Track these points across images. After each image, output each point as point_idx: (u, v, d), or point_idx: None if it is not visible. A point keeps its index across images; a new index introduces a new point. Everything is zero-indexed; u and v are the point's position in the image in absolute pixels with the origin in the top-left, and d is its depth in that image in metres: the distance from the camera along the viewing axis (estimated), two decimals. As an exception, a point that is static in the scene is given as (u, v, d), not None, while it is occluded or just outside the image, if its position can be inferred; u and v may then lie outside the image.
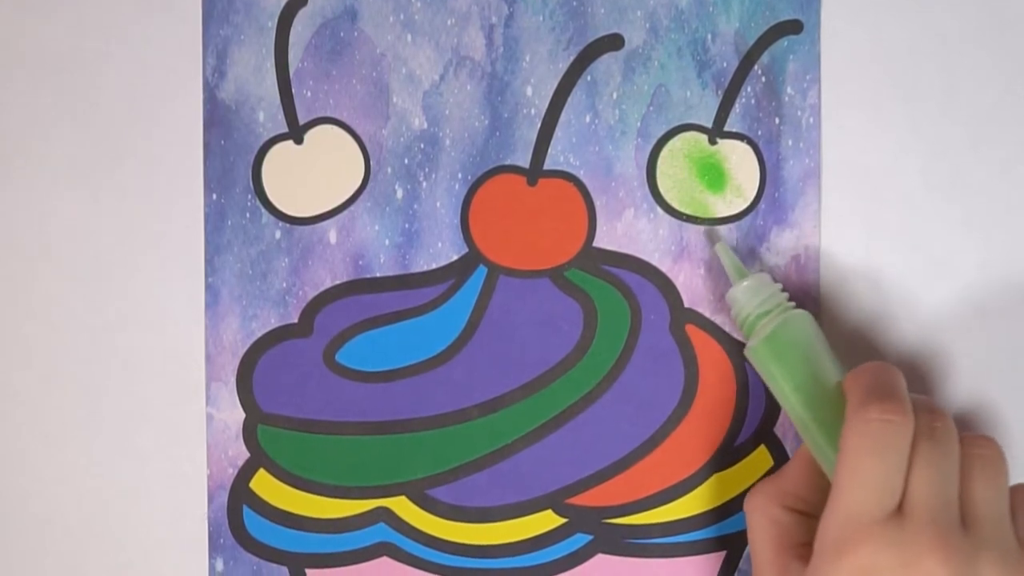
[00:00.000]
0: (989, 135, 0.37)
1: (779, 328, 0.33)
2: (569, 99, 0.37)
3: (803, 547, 0.32)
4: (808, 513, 0.33)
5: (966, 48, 0.36)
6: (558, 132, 0.37)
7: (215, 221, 0.37)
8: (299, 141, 0.37)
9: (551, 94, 0.37)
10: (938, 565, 0.29)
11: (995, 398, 0.37)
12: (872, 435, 0.30)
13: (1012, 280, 0.37)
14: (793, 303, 0.34)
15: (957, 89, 0.37)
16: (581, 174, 0.37)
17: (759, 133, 0.36)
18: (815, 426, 0.32)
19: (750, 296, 0.34)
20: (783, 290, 0.34)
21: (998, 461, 0.31)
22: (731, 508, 0.36)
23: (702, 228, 0.37)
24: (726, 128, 0.37)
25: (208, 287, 0.37)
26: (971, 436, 0.32)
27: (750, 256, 0.37)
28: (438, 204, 0.37)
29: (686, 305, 0.37)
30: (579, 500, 0.37)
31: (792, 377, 0.33)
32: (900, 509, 0.30)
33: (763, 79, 0.36)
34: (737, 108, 0.36)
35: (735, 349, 0.36)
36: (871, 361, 0.32)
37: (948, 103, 0.37)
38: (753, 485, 0.35)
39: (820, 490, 0.33)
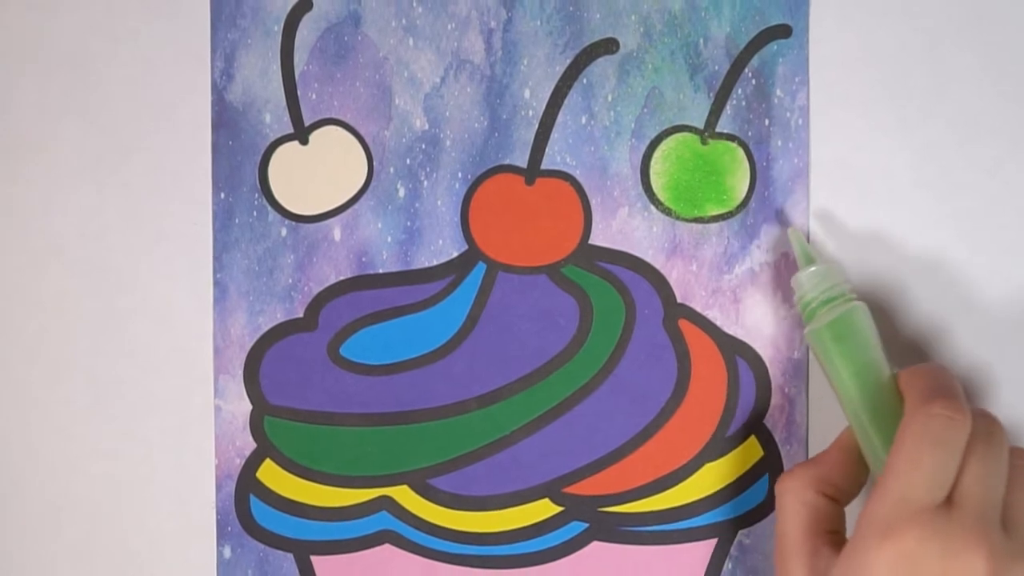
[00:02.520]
0: (976, 135, 0.37)
1: (845, 314, 0.33)
2: (566, 101, 0.37)
3: (832, 533, 0.33)
4: (839, 500, 0.33)
5: (953, 50, 0.36)
6: (555, 133, 0.37)
7: (223, 219, 0.37)
8: (304, 142, 0.37)
9: (548, 96, 0.37)
10: (980, 560, 0.29)
11: (983, 391, 0.37)
12: (934, 428, 0.30)
13: (999, 277, 0.37)
14: (855, 295, 0.34)
15: (944, 90, 0.37)
16: (577, 174, 0.37)
17: (749, 134, 0.37)
18: (867, 413, 0.33)
19: (818, 281, 0.34)
20: (847, 281, 0.34)
21: None
22: (722, 497, 0.36)
23: (695, 226, 0.37)
24: (718, 129, 0.37)
25: (216, 283, 0.37)
26: (1016, 448, 0.32)
27: (742, 253, 0.37)
28: (439, 203, 0.37)
29: (679, 301, 0.37)
30: (575, 489, 0.37)
31: (852, 363, 0.33)
32: (949, 501, 0.30)
33: (753, 82, 0.37)
34: (728, 110, 0.37)
35: (726, 343, 0.37)
36: (928, 362, 0.33)
37: (935, 104, 0.37)
38: (739, 479, 0.35)
39: (855, 479, 0.34)
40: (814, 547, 0.32)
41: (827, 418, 0.36)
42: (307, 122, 0.37)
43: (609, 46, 0.37)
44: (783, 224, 0.37)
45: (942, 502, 0.30)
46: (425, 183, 0.37)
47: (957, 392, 0.32)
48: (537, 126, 0.37)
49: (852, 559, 0.30)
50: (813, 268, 0.34)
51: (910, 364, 0.36)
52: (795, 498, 0.33)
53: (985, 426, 0.31)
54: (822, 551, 0.32)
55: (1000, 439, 0.31)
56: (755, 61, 0.37)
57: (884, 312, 0.37)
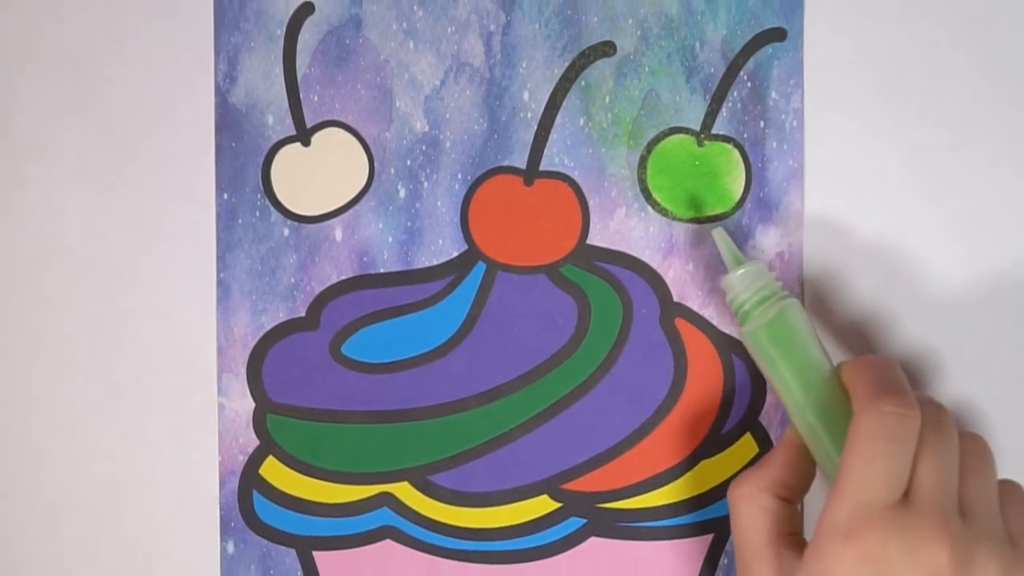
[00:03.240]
0: (969, 137, 0.37)
1: (780, 314, 0.33)
2: (564, 103, 0.37)
3: (792, 535, 0.32)
4: (792, 500, 0.33)
5: (946, 53, 0.37)
6: (553, 134, 0.37)
7: (226, 219, 0.38)
8: (306, 143, 0.37)
9: (547, 98, 0.37)
10: (943, 551, 0.29)
11: (976, 393, 0.37)
12: (886, 426, 0.30)
13: (991, 278, 0.37)
14: (787, 292, 0.34)
15: (937, 93, 0.37)
16: (575, 175, 0.37)
17: (745, 136, 0.37)
18: (813, 412, 0.32)
19: (748, 283, 0.34)
20: (777, 279, 0.34)
21: (989, 457, 0.32)
22: (718, 493, 0.37)
23: (691, 226, 0.37)
24: (714, 131, 0.37)
25: (220, 282, 0.38)
26: (964, 433, 0.32)
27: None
28: (439, 203, 0.37)
29: (675, 300, 0.37)
30: (573, 485, 0.37)
31: (792, 362, 0.32)
32: (906, 496, 0.30)
33: (749, 84, 0.37)
34: (724, 112, 0.37)
35: (722, 341, 0.37)
36: (869, 355, 0.33)
37: (928, 106, 0.37)
38: (735, 475, 0.35)
39: (806, 477, 0.33)
40: (777, 552, 0.32)
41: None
42: (309, 124, 0.37)
43: (606, 49, 0.37)
44: (778, 223, 0.37)
45: (900, 497, 0.30)
46: (425, 184, 0.37)
47: (904, 385, 0.31)
48: (536, 128, 0.37)
49: (815, 564, 0.30)
50: (743, 269, 0.34)
51: (907, 363, 0.37)
52: (750, 504, 0.32)
53: (934, 415, 0.31)
54: (785, 554, 0.32)
55: (950, 428, 0.31)
56: (750, 64, 0.37)
57: (875, 310, 0.37)
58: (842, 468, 0.30)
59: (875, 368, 0.32)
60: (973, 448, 0.32)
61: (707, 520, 0.37)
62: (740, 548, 0.33)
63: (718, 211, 0.37)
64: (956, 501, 0.30)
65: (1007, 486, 0.32)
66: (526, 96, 0.37)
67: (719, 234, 0.35)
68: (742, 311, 0.34)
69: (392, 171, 0.37)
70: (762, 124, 0.37)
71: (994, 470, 0.32)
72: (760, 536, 0.32)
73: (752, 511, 0.32)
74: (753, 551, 0.32)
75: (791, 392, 0.32)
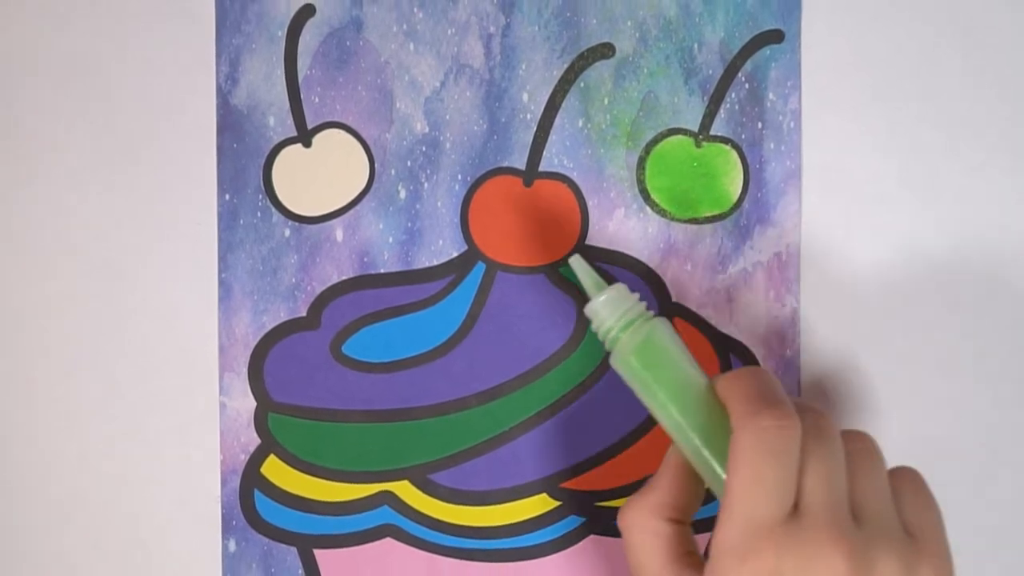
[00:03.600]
0: (962, 138, 0.37)
1: (648, 336, 0.32)
2: (563, 104, 0.37)
3: (688, 555, 0.31)
4: (684, 521, 0.32)
5: (940, 56, 0.37)
6: (552, 136, 0.37)
7: (228, 220, 0.38)
8: (307, 144, 0.37)
9: (546, 100, 0.37)
10: (840, 560, 0.28)
11: (971, 393, 0.37)
12: (767, 440, 0.29)
13: (984, 275, 0.37)
14: (652, 312, 0.33)
15: (932, 95, 0.37)
16: (574, 175, 0.37)
17: (743, 137, 0.37)
18: (693, 432, 0.31)
19: (612, 308, 0.32)
20: (640, 299, 0.33)
21: (876, 454, 0.31)
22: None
23: (689, 227, 0.37)
24: (712, 132, 0.37)
25: (221, 282, 0.38)
26: (847, 433, 0.31)
27: (735, 253, 0.37)
28: (439, 204, 0.37)
29: (673, 300, 0.37)
30: (572, 484, 0.37)
31: (666, 384, 0.31)
32: (796, 509, 0.29)
33: (747, 86, 0.37)
34: (722, 113, 0.37)
35: (720, 341, 0.37)
36: (742, 367, 0.32)
37: (923, 108, 0.37)
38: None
39: (695, 496, 0.32)
40: (676, 574, 0.31)
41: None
42: (310, 125, 0.37)
43: (605, 51, 0.37)
44: (775, 226, 0.37)
45: (790, 511, 0.29)
46: (426, 185, 0.37)
47: (780, 395, 0.30)
48: (535, 129, 0.37)
49: None
50: (604, 295, 0.32)
51: (892, 361, 0.37)
52: (643, 530, 0.31)
53: (814, 421, 0.30)
54: (683, 575, 0.31)
55: (832, 431, 0.31)
56: (748, 66, 0.37)
57: (871, 309, 0.37)
58: (727, 488, 0.29)
59: (749, 380, 0.31)
60: (859, 447, 0.31)
61: (704, 519, 0.37)
62: (637, 573, 0.32)
63: (716, 212, 0.37)
64: (847, 506, 0.29)
65: (898, 475, 0.32)
66: (525, 97, 0.37)
67: (576, 261, 0.33)
68: (609, 337, 0.32)
69: (392, 172, 0.37)
70: (760, 125, 0.37)
71: (883, 465, 0.31)
72: (657, 561, 0.31)
73: (645, 537, 0.31)
74: (650, 574, 0.31)
75: (669, 414, 0.31)
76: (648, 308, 0.33)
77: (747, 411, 0.30)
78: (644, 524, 0.31)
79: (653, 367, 0.31)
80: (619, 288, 0.33)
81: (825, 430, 0.30)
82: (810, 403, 0.32)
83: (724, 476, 0.30)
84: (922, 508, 0.31)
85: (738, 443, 0.29)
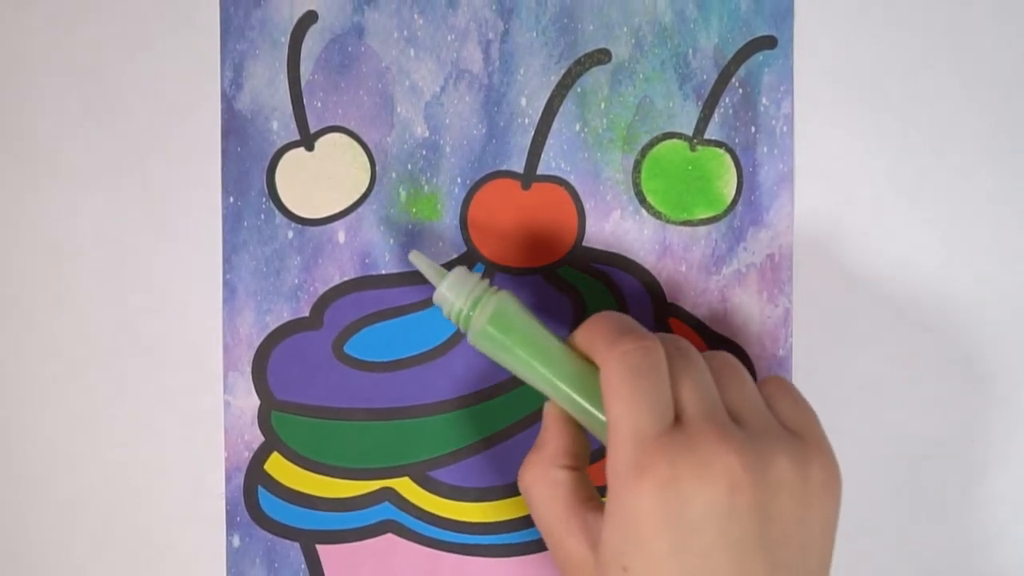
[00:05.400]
0: (951, 142, 0.37)
1: (498, 305, 0.33)
2: (560, 109, 0.37)
3: (590, 499, 0.32)
4: (579, 468, 0.33)
5: (929, 61, 0.37)
6: (550, 140, 0.37)
7: (232, 222, 0.38)
8: (310, 148, 0.38)
9: (544, 104, 0.37)
10: (732, 457, 0.28)
11: (962, 389, 0.37)
12: (633, 362, 0.30)
13: (973, 276, 0.37)
14: (496, 287, 0.34)
15: (921, 99, 0.37)
16: (572, 179, 0.37)
17: (737, 141, 0.37)
18: (562, 380, 0.32)
19: (458, 289, 0.33)
20: (482, 278, 0.34)
21: (738, 366, 0.32)
22: None
23: (684, 229, 0.37)
24: (706, 136, 0.37)
25: (225, 283, 0.38)
26: (706, 354, 0.32)
27: (729, 254, 0.37)
28: (439, 206, 0.38)
29: (668, 300, 0.37)
30: None
31: (527, 343, 0.32)
32: (678, 421, 0.30)
33: (740, 91, 0.37)
34: (716, 117, 0.37)
35: (715, 341, 0.37)
36: (593, 314, 0.33)
37: (913, 112, 0.37)
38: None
39: (581, 443, 0.33)
40: (581, 519, 0.31)
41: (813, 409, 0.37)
42: (313, 129, 0.38)
43: (602, 56, 0.37)
44: (769, 227, 0.37)
45: (672, 423, 0.29)
46: (426, 188, 0.38)
47: (636, 325, 0.31)
48: (533, 133, 0.37)
49: (618, 510, 0.29)
50: (448, 280, 0.34)
51: (884, 357, 0.37)
52: (543, 482, 0.32)
53: (674, 343, 0.31)
54: (588, 517, 0.31)
55: (693, 351, 0.31)
56: (742, 71, 0.37)
57: (863, 308, 0.37)
58: (609, 415, 0.30)
59: (604, 321, 0.32)
60: (721, 364, 0.32)
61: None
62: (546, 527, 0.32)
63: (710, 214, 0.37)
64: (726, 413, 0.30)
65: (769, 384, 0.32)
66: (524, 102, 0.37)
67: (416, 256, 0.35)
68: (462, 317, 0.34)
69: (393, 175, 0.38)
70: (753, 129, 0.37)
71: (748, 376, 0.32)
72: (560, 508, 0.32)
73: (545, 488, 0.32)
74: (559, 525, 0.31)
75: (537, 371, 0.32)
76: (492, 284, 0.34)
77: (608, 344, 0.31)
78: (543, 476, 0.32)
79: (510, 331, 0.33)
80: (460, 271, 0.34)
81: (685, 350, 0.31)
82: (664, 333, 0.32)
83: (601, 416, 0.31)
84: (798, 410, 0.32)
85: (608, 372, 0.30)
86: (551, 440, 0.33)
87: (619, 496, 0.29)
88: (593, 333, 0.32)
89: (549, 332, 0.33)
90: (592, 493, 0.32)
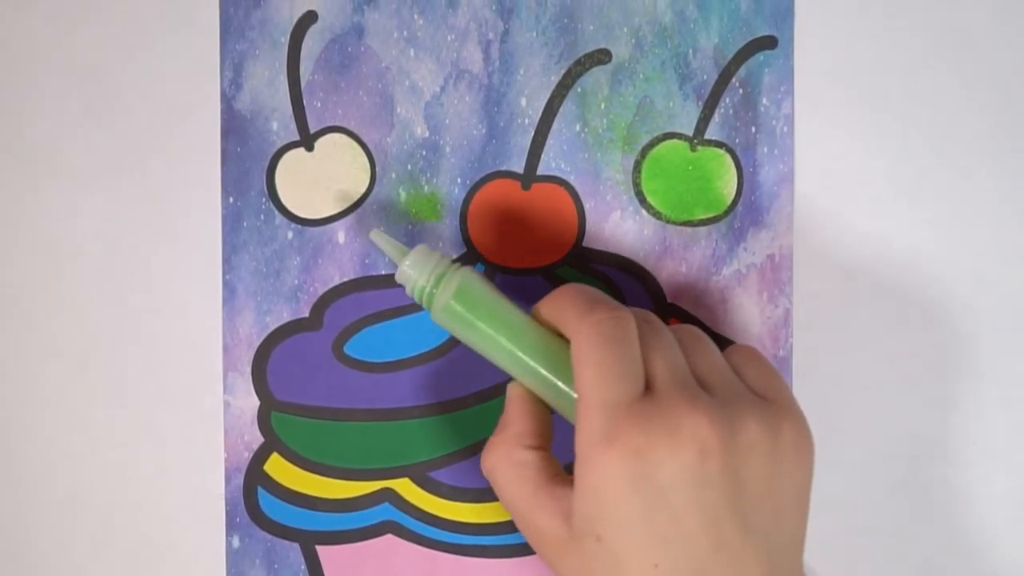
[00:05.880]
0: (952, 142, 0.37)
1: (462, 281, 0.33)
2: (560, 109, 0.37)
3: (557, 476, 0.31)
4: (544, 447, 0.32)
5: (929, 62, 0.37)
6: (550, 140, 0.37)
7: (232, 222, 0.38)
8: (310, 148, 0.38)
9: (544, 104, 0.37)
10: (702, 423, 0.28)
11: (962, 389, 0.37)
12: (606, 331, 0.30)
13: (973, 276, 0.37)
14: (459, 263, 0.34)
15: (921, 99, 0.37)
16: (572, 179, 0.37)
17: (737, 141, 0.37)
18: (528, 355, 0.32)
19: (420, 267, 0.33)
20: (444, 255, 0.34)
21: (703, 337, 0.32)
22: None
23: (684, 229, 0.37)
24: (706, 136, 0.37)
25: (225, 284, 0.38)
26: (672, 327, 0.32)
27: (729, 255, 0.37)
28: (439, 207, 0.38)
29: (669, 301, 0.37)
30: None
31: (492, 318, 0.32)
32: (648, 389, 0.29)
33: (740, 91, 0.37)
34: (716, 118, 0.37)
35: (715, 341, 0.37)
36: (561, 286, 0.32)
37: (913, 112, 0.37)
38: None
39: (545, 423, 0.33)
40: (550, 493, 0.31)
41: (812, 413, 0.37)
42: (312, 129, 0.38)
43: (602, 56, 0.37)
44: (769, 227, 0.37)
45: (643, 391, 0.29)
46: (425, 188, 0.38)
47: (605, 296, 0.31)
48: (533, 133, 0.37)
49: (588, 480, 0.29)
50: (410, 258, 0.33)
51: (883, 357, 0.37)
52: (508, 463, 0.32)
53: (643, 315, 0.31)
54: (557, 492, 0.31)
55: (660, 322, 0.31)
56: (742, 71, 0.37)
57: (863, 307, 0.37)
58: (579, 385, 0.30)
59: (572, 292, 0.32)
60: (687, 335, 0.32)
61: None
62: (515, 507, 0.31)
63: (710, 214, 0.37)
64: (695, 381, 0.30)
65: (736, 352, 0.32)
66: (524, 102, 0.37)
67: (377, 235, 0.34)
68: (426, 294, 0.33)
69: (393, 175, 0.38)
70: (753, 130, 0.37)
71: (714, 346, 0.32)
72: (528, 487, 0.31)
73: (511, 469, 0.32)
74: (528, 503, 0.31)
75: (500, 346, 0.32)
76: (454, 261, 0.34)
77: (580, 315, 0.30)
78: (508, 457, 0.32)
79: (475, 307, 0.32)
80: (421, 248, 0.34)
81: (653, 322, 0.31)
82: (633, 307, 0.32)
83: (568, 390, 0.31)
84: (766, 375, 0.32)
85: (579, 341, 0.30)
86: (514, 420, 0.32)
87: (589, 466, 0.29)
88: (562, 304, 0.31)
89: (515, 306, 0.33)
90: (558, 470, 0.32)
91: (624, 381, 0.29)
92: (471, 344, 0.33)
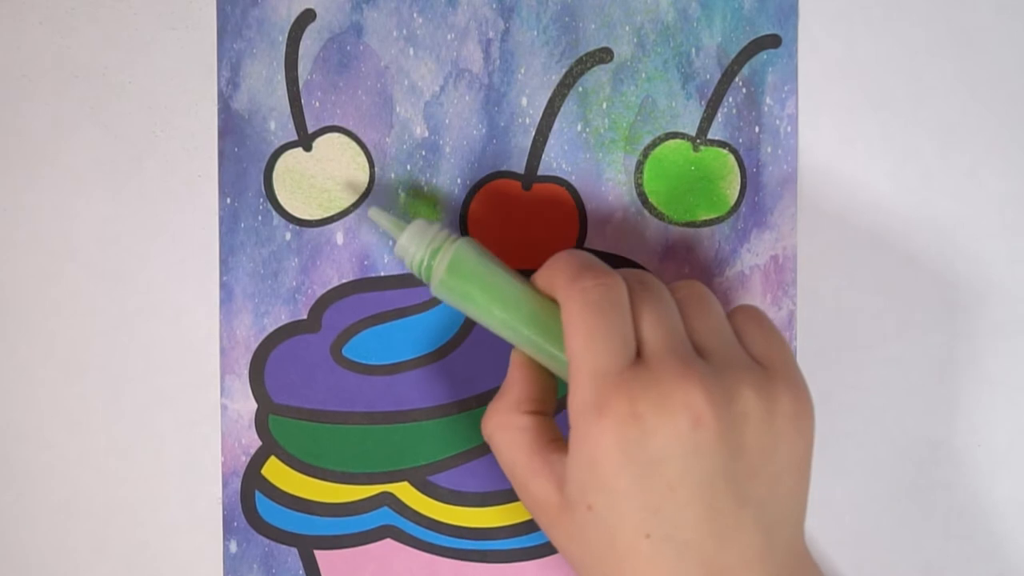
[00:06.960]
0: (954, 142, 0.37)
1: (458, 252, 0.33)
2: (561, 109, 0.37)
3: (555, 441, 0.31)
4: (545, 413, 0.32)
5: (933, 61, 0.37)
6: (551, 140, 0.37)
7: (229, 223, 0.38)
8: (308, 148, 0.38)
9: (544, 104, 0.37)
10: (695, 391, 0.28)
11: (966, 391, 0.37)
12: (592, 297, 0.29)
13: (977, 278, 0.37)
14: (456, 236, 0.34)
15: (924, 99, 0.37)
16: (573, 179, 0.37)
17: (740, 141, 0.37)
18: (526, 325, 0.32)
19: (418, 239, 0.34)
20: (441, 228, 0.34)
21: (707, 295, 0.31)
22: None
23: (687, 230, 0.37)
24: (709, 136, 0.37)
25: (222, 285, 0.38)
26: (675, 285, 0.32)
27: (732, 256, 0.37)
28: (438, 207, 0.38)
29: None
30: None
31: (489, 288, 0.32)
32: (640, 356, 0.29)
33: (744, 90, 0.37)
34: (719, 117, 0.37)
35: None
36: (556, 253, 0.32)
37: (916, 112, 0.37)
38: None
39: (547, 388, 0.33)
40: (545, 459, 0.31)
41: (816, 415, 0.37)
42: (311, 129, 0.38)
43: (603, 56, 0.37)
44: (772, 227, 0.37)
45: (634, 358, 0.29)
46: (425, 188, 0.38)
47: (597, 262, 0.31)
48: (534, 133, 0.37)
49: (580, 449, 0.29)
50: (407, 232, 0.34)
51: (887, 357, 0.37)
52: (507, 427, 0.32)
53: (637, 278, 0.31)
54: (552, 458, 0.31)
55: (656, 282, 0.31)
56: (745, 70, 0.37)
57: (867, 308, 0.37)
58: (569, 352, 0.29)
59: (565, 259, 0.32)
60: (688, 294, 0.31)
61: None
62: (512, 473, 0.32)
63: (713, 215, 0.37)
64: (690, 346, 0.30)
65: (738, 313, 0.32)
66: (524, 102, 0.37)
67: (375, 212, 0.35)
68: (423, 268, 0.34)
69: (392, 176, 0.38)
70: (757, 130, 0.37)
71: (717, 306, 0.31)
72: (525, 452, 0.31)
73: (509, 434, 0.32)
74: (524, 468, 0.31)
75: (499, 316, 0.32)
76: (451, 233, 0.34)
77: (568, 281, 0.30)
78: (507, 422, 0.32)
79: (471, 278, 0.33)
80: (418, 222, 0.34)
81: (648, 283, 0.31)
82: (631, 269, 0.32)
83: (562, 355, 0.31)
84: (768, 340, 0.31)
85: (567, 309, 0.30)
86: (513, 385, 0.32)
87: (581, 434, 0.29)
88: (554, 271, 0.31)
89: (513, 276, 0.33)
90: (556, 435, 0.32)
91: (611, 349, 0.29)
92: (474, 317, 0.33)
